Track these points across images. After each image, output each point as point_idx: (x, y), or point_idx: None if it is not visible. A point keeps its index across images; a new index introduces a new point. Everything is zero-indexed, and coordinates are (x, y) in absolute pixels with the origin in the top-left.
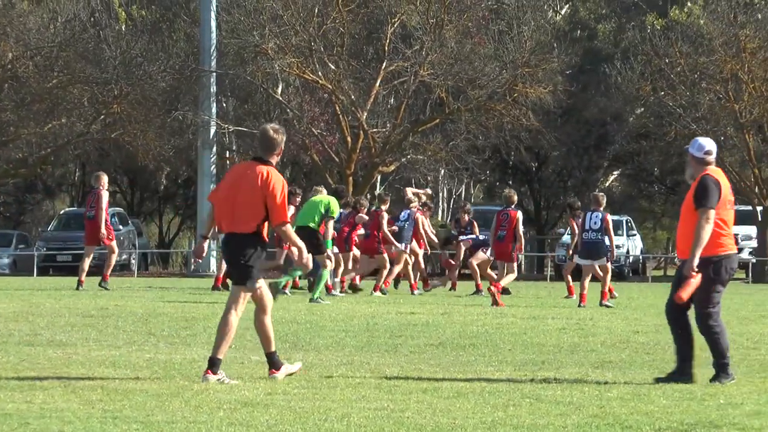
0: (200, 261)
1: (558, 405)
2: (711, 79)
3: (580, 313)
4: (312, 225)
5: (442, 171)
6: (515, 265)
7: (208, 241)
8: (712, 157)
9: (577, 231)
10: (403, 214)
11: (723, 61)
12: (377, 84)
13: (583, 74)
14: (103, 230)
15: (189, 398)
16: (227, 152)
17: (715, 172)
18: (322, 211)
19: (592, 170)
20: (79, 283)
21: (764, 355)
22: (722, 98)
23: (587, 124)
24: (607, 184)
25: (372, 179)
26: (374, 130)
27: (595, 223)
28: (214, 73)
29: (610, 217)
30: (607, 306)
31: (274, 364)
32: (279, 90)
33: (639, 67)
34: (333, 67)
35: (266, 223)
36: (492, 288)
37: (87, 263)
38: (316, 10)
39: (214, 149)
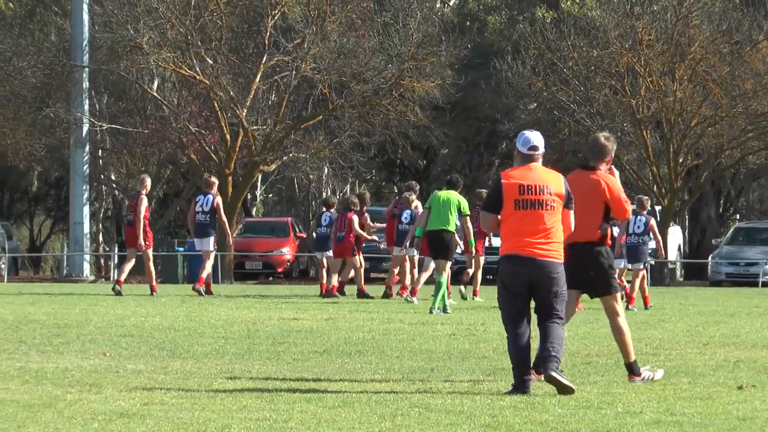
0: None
1: (448, 414)
2: (606, 73)
3: (471, 319)
4: (449, 228)
5: (326, 170)
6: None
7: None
8: (537, 153)
9: None
10: (405, 215)
11: (618, 54)
12: (257, 79)
13: (473, 68)
14: (142, 237)
15: (62, 409)
16: (100, 151)
17: (527, 169)
18: (456, 210)
19: (483, 168)
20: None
21: (663, 361)
22: (618, 93)
23: (477, 121)
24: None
25: (252, 179)
26: (254, 127)
27: (639, 227)
28: (87, 69)
29: (653, 221)
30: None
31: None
32: (155, 86)
33: (531, 61)
34: (211, 61)
35: (608, 230)
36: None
37: (128, 267)
38: (193, 3)
39: (87, 148)
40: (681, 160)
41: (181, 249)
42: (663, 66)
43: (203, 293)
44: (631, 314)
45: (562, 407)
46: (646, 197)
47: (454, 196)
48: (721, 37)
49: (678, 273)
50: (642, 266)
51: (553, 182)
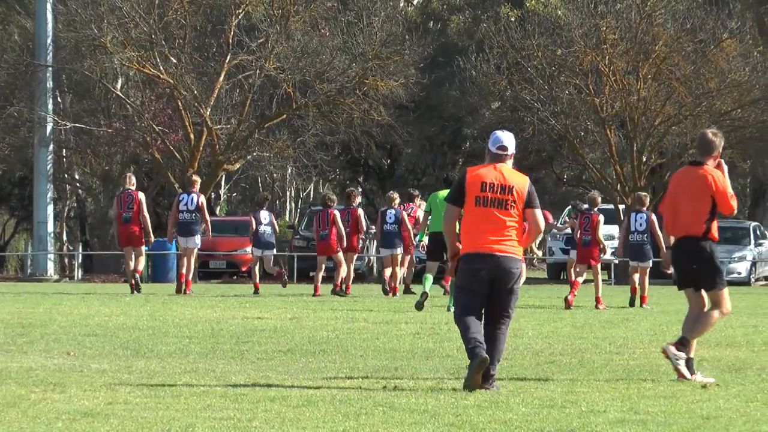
0: (668, 271)
1: (412, 413)
2: (570, 71)
3: (435, 318)
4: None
5: (290, 169)
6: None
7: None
8: (506, 153)
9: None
10: (389, 215)
11: (582, 53)
12: (221, 78)
13: (437, 67)
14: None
15: (26, 408)
16: (64, 150)
17: (492, 168)
18: None
19: (447, 167)
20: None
21: (627, 360)
22: (582, 92)
23: (441, 120)
24: None
25: (216, 178)
26: (218, 126)
27: (641, 224)
28: (51, 68)
29: (654, 217)
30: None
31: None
32: (119, 85)
33: (495, 59)
34: (175, 60)
35: (714, 224)
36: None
37: (132, 265)
38: (157, 2)
39: (51, 147)
40: (645, 159)
41: (145, 248)
42: (627, 65)
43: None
44: (595, 314)
45: (526, 406)
46: (645, 194)
47: None
48: (685, 36)
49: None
50: (648, 264)
51: (517, 182)
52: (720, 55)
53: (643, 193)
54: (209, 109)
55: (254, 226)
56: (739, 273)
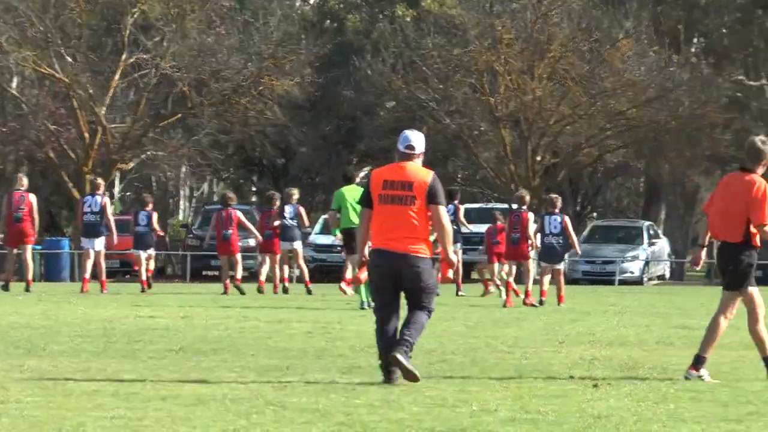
0: (697, 268)
1: (303, 412)
2: (465, 71)
3: (328, 317)
4: None
5: (184, 168)
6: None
7: (704, 249)
8: (413, 153)
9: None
10: (288, 211)
11: (478, 53)
12: (116, 77)
13: (333, 67)
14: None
15: None
16: None
17: (397, 166)
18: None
19: (342, 167)
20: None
21: (519, 359)
22: (477, 91)
23: (337, 119)
24: (357, 182)
25: (111, 177)
26: (113, 125)
27: (555, 226)
28: None
29: (568, 219)
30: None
31: None
32: (14, 84)
33: (390, 59)
34: (70, 60)
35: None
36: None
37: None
38: (53, 1)
39: None
40: (539, 159)
41: (38, 247)
42: (522, 64)
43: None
44: (487, 312)
45: (417, 405)
46: (557, 196)
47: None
48: (580, 36)
49: (534, 271)
50: (560, 266)
51: (417, 178)
52: (615, 54)
53: (555, 195)
54: (104, 108)
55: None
56: (632, 272)
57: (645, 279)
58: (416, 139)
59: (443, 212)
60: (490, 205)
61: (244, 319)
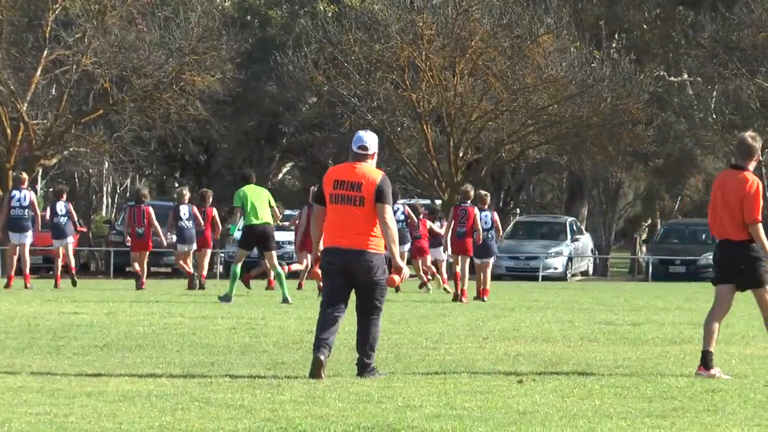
0: None
1: (228, 408)
2: (387, 67)
3: (251, 313)
4: (269, 220)
5: (107, 164)
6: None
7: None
8: (366, 153)
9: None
10: (183, 211)
11: (399, 49)
12: (38, 73)
13: (255, 62)
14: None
15: None
16: None
17: (349, 166)
18: (270, 203)
19: (264, 162)
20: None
21: (444, 355)
22: (399, 87)
23: (259, 115)
24: (279, 177)
25: (33, 173)
26: (35, 121)
27: (486, 222)
28: None
29: (497, 216)
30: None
31: None
32: None
33: (312, 55)
34: None
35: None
36: None
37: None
38: None
39: None
40: (461, 154)
41: None
42: (444, 60)
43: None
44: (411, 308)
45: (342, 401)
46: (485, 192)
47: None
48: (501, 31)
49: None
50: (490, 260)
51: (366, 178)
52: (537, 50)
53: (484, 192)
54: (26, 104)
55: (48, 217)
56: (556, 268)
57: (568, 275)
58: (369, 139)
59: (389, 211)
60: (412, 201)
61: (168, 316)
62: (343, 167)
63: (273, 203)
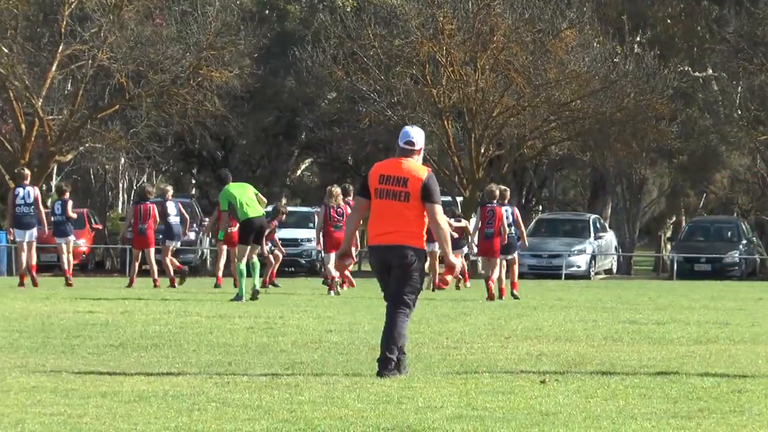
0: None
1: (246, 409)
2: (407, 62)
3: (269, 312)
4: (263, 213)
5: (123, 160)
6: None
7: None
8: (412, 148)
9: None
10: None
11: (420, 44)
12: (53, 68)
13: (273, 57)
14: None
15: None
16: None
17: (395, 161)
18: (258, 195)
19: (283, 158)
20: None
21: (465, 355)
22: (419, 82)
23: (277, 110)
24: (297, 173)
25: (48, 169)
26: (50, 117)
27: (507, 218)
28: None
29: (517, 211)
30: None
31: None
32: None
33: (331, 50)
34: (6, 50)
35: None
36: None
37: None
38: None
39: None
40: (483, 151)
41: None
42: (465, 55)
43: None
44: (432, 307)
45: (361, 401)
46: (505, 188)
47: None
48: (523, 26)
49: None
50: (513, 257)
51: (414, 175)
52: (559, 45)
53: (503, 187)
54: (41, 100)
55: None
56: (579, 266)
57: (592, 273)
58: (416, 134)
59: (439, 211)
60: None
61: (185, 314)
62: (389, 162)
63: (259, 194)
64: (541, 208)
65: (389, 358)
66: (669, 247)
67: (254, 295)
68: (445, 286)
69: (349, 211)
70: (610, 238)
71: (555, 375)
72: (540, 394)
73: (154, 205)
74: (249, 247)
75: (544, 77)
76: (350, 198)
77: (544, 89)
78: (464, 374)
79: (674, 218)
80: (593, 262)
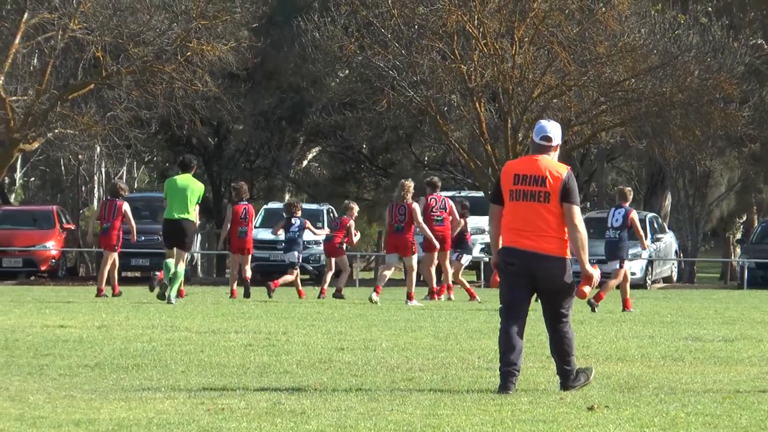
0: None
1: None
2: (432, 34)
3: (271, 326)
4: (189, 216)
5: (98, 148)
6: None
7: None
8: (549, 144)
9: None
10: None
11: (447, 12)
12: (16, 41)
13: (275, 28)
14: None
15: None
16: None
17: (531, 159)
18: (196, 199)
19: (287, 147)
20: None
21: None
22: (447, 58)
23: (279, 91)
24: (304, 164)
25: (11, 159)
26: (13, 98)
27: (617, 220)
28: None
29: (635, 214)
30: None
31: None
32: None
33: (342, 19)
34: None
35: None
36: None
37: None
38: None
39: None
40: (521, 138)
41: None
42: (500, 26)
43: None
44: (461, 321)
45: (377, 430)
46: (629, 188)
47: (192, 182)
48: None
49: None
50: (619, 264)
51: (553, 173)
52: (611, 14)
53: (627, 188)
54: (2, 78)
55: None
56: (633, 273)
57: (648, 281)
58: (553, 129)
59: (577, 213)
60: (463, 194)
61: (172, 329)
62: (524, 160)
63: (196, 201)
64: (588, 205)
65: (569, 371)
66: (738, 251)
67: (162, 297)
68: (584, 298)
69: (416, 206)
70: (669, 240)
71: (605, 401)
72: (587, 422)
73: (124, 203)
74: (174, 250)
75: (593, 52)
76: (434, 195)
77: (593, 66)
78: (498, 400)
79: (745, 217)
80: (650, 268)
